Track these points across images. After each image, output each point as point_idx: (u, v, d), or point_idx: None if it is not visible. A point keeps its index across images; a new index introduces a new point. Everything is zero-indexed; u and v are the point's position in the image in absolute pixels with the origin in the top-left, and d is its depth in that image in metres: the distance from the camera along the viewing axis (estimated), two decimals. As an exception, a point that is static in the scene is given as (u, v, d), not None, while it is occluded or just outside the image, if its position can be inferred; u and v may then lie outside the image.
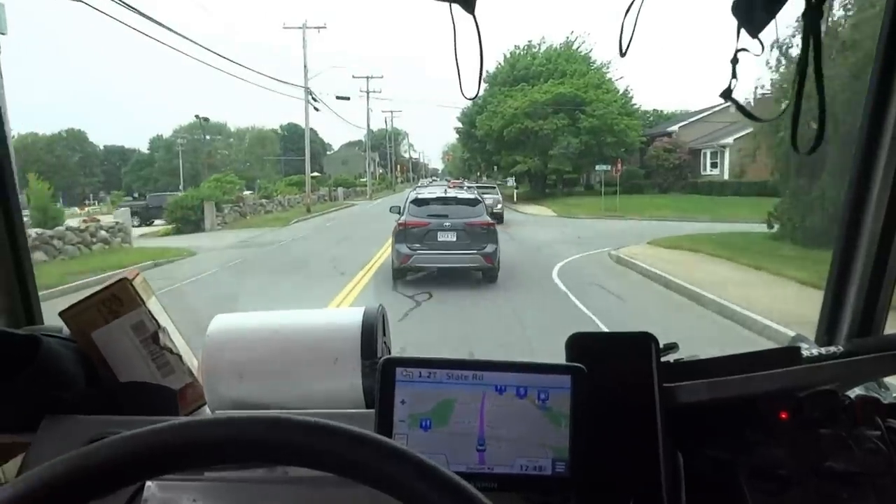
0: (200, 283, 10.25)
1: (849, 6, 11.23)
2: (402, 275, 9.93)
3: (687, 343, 1.00)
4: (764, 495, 0.85)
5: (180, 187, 32.93)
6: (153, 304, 1.03)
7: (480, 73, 0.91)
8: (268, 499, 0.84)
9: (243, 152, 56.71)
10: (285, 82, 27.91)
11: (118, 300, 0.98)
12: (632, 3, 0.87)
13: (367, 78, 42.61)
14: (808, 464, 0.87)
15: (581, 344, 0.89)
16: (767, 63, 12.98)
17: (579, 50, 34.95)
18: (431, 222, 9.91)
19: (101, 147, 58.85)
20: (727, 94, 0.89)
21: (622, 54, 0.90)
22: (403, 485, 0.44)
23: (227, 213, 21.99)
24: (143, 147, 58.08)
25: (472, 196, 11.18)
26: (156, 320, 1.01)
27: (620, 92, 33.28)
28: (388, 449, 0.45)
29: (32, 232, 11.64)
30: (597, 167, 27.49)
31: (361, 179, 51.69)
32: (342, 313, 1.01)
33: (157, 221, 22.45)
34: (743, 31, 0.86)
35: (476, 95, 0.94)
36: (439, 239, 9.81)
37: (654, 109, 38.02)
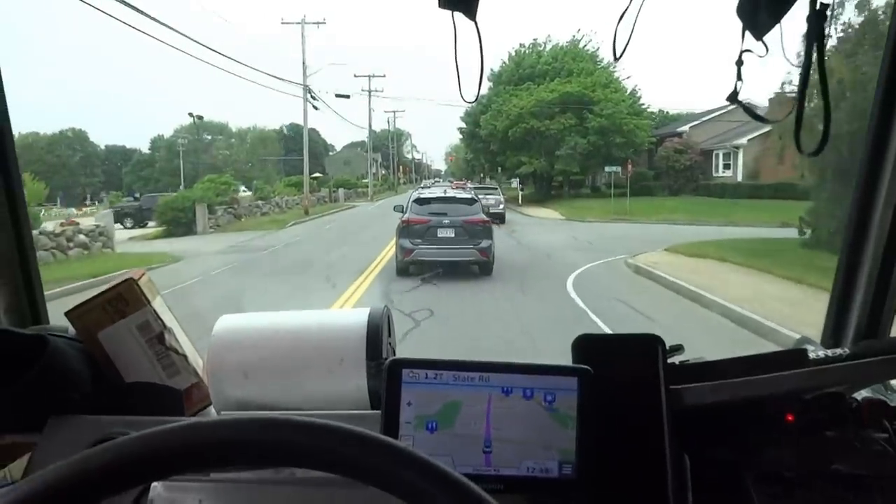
0: (173, 297, 9.23)
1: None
2: (406, 268, 10.52)
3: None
4: (770, 498, 0.85)
5: (181, 187, 32.15)
6: (158, 305, 1.02)
7: (480, 80, 0.94)
8: (274, 500, 0.84)
9: (245, 152, 56.32)
10: (283, 79, 26.96)
11: (124, 300, 0.97)
12: (626, 9, 0.88)
13: (369, 77, 41.83)
14: (815, 466, 0.87)
15: (587, 345, 0.89)
16: (799, 55, 11.98)
17: (586, 48, 34.10)
18: (432, 219, 10.68)
19: (102, 147, 59.08)
20: (733, 97, 0.90)
21: (616, 58, 0.93)
22: (410, 486, 0.44)
23: (221, 215, 21.06)
24: (145, 147, 57.95)
25: (469, 196, 12.15)
26: (161, 320, 1.00)
27: (628, 91, 32.39)
28: (396, 451, 0.45)
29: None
30: (606, 168, 26.66)
31: (363, 180, 50.92)
32: (347, 314, 1.01)
33: (151, 223, 21.75)
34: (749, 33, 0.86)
35: (475, 100, 0.98)
36: (439, 235, 10.56)
37: (660, 110, 37.11)
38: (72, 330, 0.98)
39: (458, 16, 0.87)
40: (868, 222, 1.15)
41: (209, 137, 58.60)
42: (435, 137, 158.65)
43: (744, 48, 0.86)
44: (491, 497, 0.44)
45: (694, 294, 8.46)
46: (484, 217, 11.06)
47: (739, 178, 28.16)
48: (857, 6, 10.87)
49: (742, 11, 0.86)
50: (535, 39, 35.70)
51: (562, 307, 8.19)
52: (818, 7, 0.82)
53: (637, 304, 8.19)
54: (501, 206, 21.37)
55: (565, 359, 0.87)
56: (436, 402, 0.80)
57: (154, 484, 0.80)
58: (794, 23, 0.84)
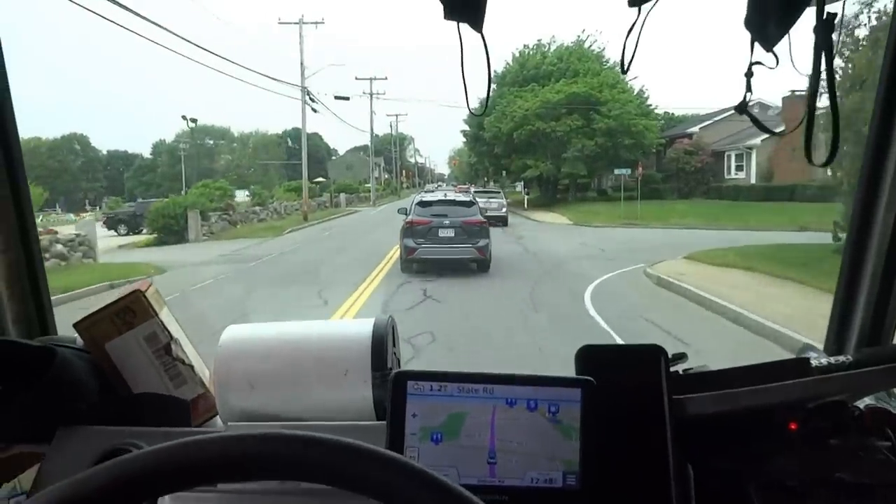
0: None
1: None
2: (410, 266, 11.33)
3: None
4: None
5: (182, 192, 31.44)
6: (165, 316, 1.03)
7: (488, 93, 0.94)
8: None
9: (247, 157, 56.01)
10: (281, 81, 26.14)
11: (131, 311, 0.98)
12: (634, 23, 0.89)
13: (371, 80, 40.99)
14: (818, 475, 0.87)
15: (591, 356, 0.89)
16: (841, 43, 11.15)
17: (591, 48, 33.24)
18: (433, 221, 11.48)
19: (104, 152, 59.26)
20: (742, 107, 0.90)
21: (624, 71, 0.94)
22: (412, 500, 0.44)
23: (215, 222, 20.22)
24: (147, 152, 57.79)
25: (468, 198, 13.14)
26: (168, 331, 1.01)
27: (635, 92, 31.50)
28: (399, 464, 0.45)
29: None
30: (616, 171, 25.77)
31: (365, 185, 50.18)
32: (352, 324, 0.99)
33: (146, 230, 20.86)
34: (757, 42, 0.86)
35: (483, 112, 0.96)
36: (440, 235, 11.33)
37: (666, 112, 36.27)
38: (80, 341, 0.99)
39: (464, 26, 0.87)
40: (870, 228, 1.15)
41: (211, 142, 58.32)
42: (438, 141, 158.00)
43: (753, 60, 0.87)
44: None
45: (734, 314, 7.37)
46: (481, 218, 11.86)
47: (753, 180, 27.24)
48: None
49: (750, 23, 0.87)
50: (539, 40, 35.00)
51: (582, 329, 7.17)
52: (825, 17, 0.83)
53: (667, 324, 7.15)
54: (504, 210, 22.00)
55: (570, 370, 0.86)
56: (440, 413, 0.81)
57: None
58: (803, 33, 0.85)
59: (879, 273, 1.13)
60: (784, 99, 20.83)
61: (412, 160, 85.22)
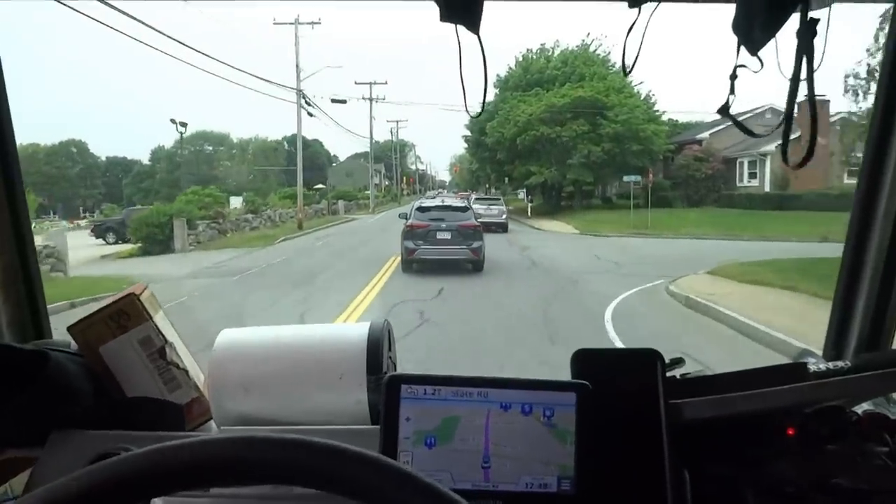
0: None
1: None
2: (410, 265, 12.26)
3: None
4: None
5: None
6: (160, 319, 1.02)
7: (484, 95, 0.95)
8: None
9: (246, 163, 55.28)
10: (276, 83, 25.13)
11: (125, 315, 0.97)
12: (633, 22, 0.89)
13: (371, 84, 40.00)
14: (816, 480, 0.86)
15: (586, 360, 0.89)
16: (878, 39, 10.21)
17: (597, 52, 32.28)
18: (431, 224, 12.46)
19: (103, 158, 58.43)
20: (724, 110, 0.90)
21: (626, 73, 0.97)
22: None
23: (202, 230, 19.13)
24: (146, 158, 57.13)
25: (463, 204, 14.36)
26: (162, 335, 1.00)
27: (642, 97, 30.53)
28: (391, 469, 0.45)
29: None
30: (625, 178, 24.70)
31: (365, 192, 49.15)
32: (348, 328, 1.00)
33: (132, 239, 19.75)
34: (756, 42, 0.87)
35: (480, 114, 1.02)
36: (437, 237, 12.30)
37: (670, 119, 35.31)
38: (73, 345, 0.98)
39: (462, 28, 0.87)
40: (869, 234, 1.15)
41: (210, 148, 57.49)
42: (439, 147, 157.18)
43: (738, 63, 0.88)
44: None
45: (783, 344, 6.16)
46: (475, 222, 12.88)
47: (767, 188, 26.16)
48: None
49: (737, 27, 0.87)
50: (542, 44, 34.00)
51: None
52: (808, 21, 0.83)
53: (711, 362, 5.72)
54: (504, 217, 22.41)
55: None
56: (435, 417, 0.80)
57: (154, 500, 0.76)
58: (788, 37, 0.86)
59: (878, 279, 1.14)
60: (799, 104, 19.96)
61: (413, 167, 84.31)
